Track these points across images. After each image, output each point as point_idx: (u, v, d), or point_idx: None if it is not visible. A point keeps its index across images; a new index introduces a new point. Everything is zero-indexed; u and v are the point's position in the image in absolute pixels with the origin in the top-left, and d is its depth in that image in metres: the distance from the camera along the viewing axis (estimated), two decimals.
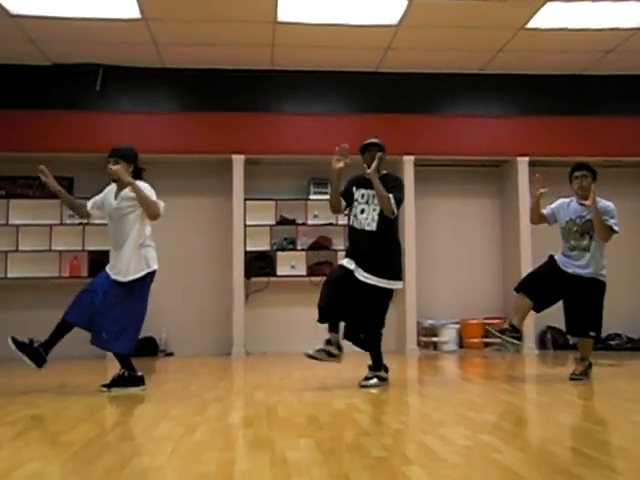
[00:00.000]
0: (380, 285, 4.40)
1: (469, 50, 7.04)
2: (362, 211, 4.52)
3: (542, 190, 4.83)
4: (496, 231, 8.03)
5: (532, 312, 5.07)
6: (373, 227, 4.47)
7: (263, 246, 7.51)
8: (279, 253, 7.52)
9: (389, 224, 4.49)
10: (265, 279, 7.48)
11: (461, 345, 7.57)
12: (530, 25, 6.37)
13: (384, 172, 4.60)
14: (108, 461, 2.45)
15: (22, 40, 6.60)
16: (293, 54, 7.10)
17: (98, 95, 7.28)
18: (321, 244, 7.60)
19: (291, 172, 7.70)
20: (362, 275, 4.41)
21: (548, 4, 5.94)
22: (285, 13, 6.12)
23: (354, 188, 4.61)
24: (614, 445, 2.68)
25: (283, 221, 7.57)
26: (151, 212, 4.32)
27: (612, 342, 7.51)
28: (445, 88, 7.68)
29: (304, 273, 7.51)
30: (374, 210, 4.49)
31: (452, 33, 6.56)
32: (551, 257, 4.96)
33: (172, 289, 7.30)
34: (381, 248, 4.46)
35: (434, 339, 7.51)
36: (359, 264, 4.44)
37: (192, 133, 7.37)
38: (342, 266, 4.52)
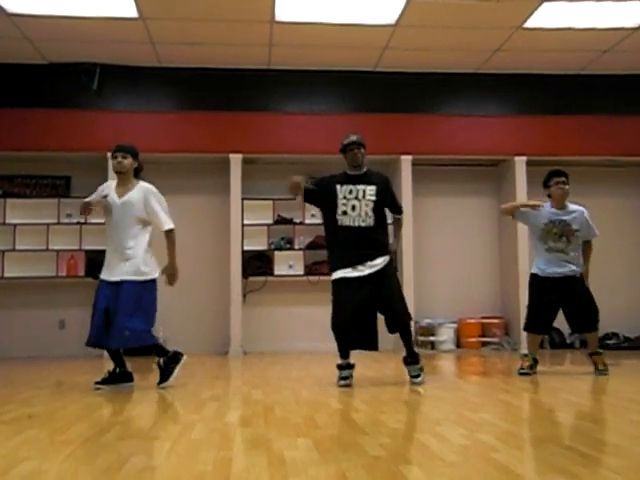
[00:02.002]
0: (387, 262, 4.50)
1: (466, 50, 7.04)
2: (353, 208, 4.50)
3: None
4: (494, 230, 8.04)
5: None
6: (370, 223, 4.49)
7: (260, 245, 7.50)
8: (276, 252, 7.52)
9: (382, 217, 4.61)
10: (262, 278, 7.48)
11: (459, 344, 7.58)
12: (527, 25, 6.38)
13: (365, 169, 4.65)
14: (105, 460, 2.44)
15: (19, 39, 6.59)
16: (291, 53, 7.10)
17: (95, 94, 7.27)
18: (318, 243, 7.58)
19: (289, 171, 7.61)
20: (370, 267, 4.42)
21: (545, 4, 5.95)
22: (283, 12, 6.11)
23: (337, 186, 4.56)
24: (611, 444, 2.69)
25: (281, 220, 7.57)
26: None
27: (609, 341, 7.52)
28: (443, 87, 7.69)
29: (301, 272, 7.51)
30: (366, 205, 4.50)
31: (449, 33, 6.56)
32: (533, 276, 5.12)
33: (169, 288, 7.25)
34: (377, 241, 4.52)
35: (432, 338, 7.52)
36: (359, 261, 4.43)
37: (189, 132, 7.36)
38: (345, 284, 4.45)
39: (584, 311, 4.98)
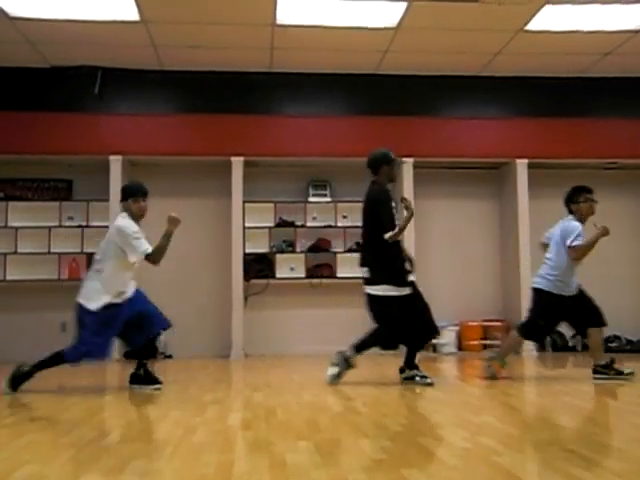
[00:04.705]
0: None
1: (468, 52, 7.04)
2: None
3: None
4: (495, 233, 8.04)
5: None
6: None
7: (262, 248, 7.50)
8: (278, 255, 7.51)
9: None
10: (264, 281, 7.48)
11: (460, 347, 7.57)
12: (529, 27, 6.38)
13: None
14: (107, 463, 2.44)
15: (21, 42, 6.60)
16: (292, 56, 7.11)
17: (97, 97, 7.28)
18: (320, 246, 7.60)
19: (290, 174, 7.70)
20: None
21: (546, 7, 5.95)
22: (284, 16, 6.12)
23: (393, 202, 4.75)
24: (613, 447, 2.68)
25: (282, 223, 7.57)
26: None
27: (611, 344, 7.50)
28: (444, 90, 7.69)
29: (303, 275, 7.51)
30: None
31: (451, 35, 6.57)
32: (548, 295, 4.90)
33: (171, 291, 7.29)
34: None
35: (433, 341, 7.49)
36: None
37: (191, 135, 7.37)
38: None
39: (589, 310, 4.96)
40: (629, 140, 7.67)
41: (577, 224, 4.83)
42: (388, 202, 4.63)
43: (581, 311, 4.88)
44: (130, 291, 4.51)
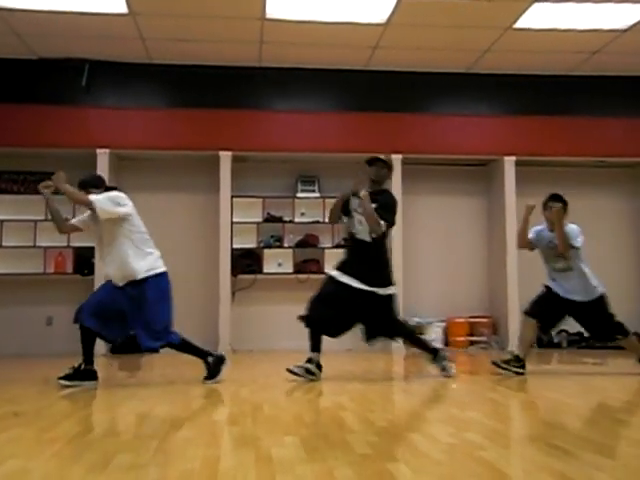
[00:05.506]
0: (379, 293, 4.57)
1: (457, 49, 7.06)
2: (360, 222, 4.64)
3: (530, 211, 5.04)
4: (482, 230, 8.07)
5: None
6: (368, 239, 4.57)
7: (250, 243, 7.49)
8: (266, 250, 7.51)
9: (382, 236, 4.64)
10: (252, 276, 7.46)
11: (447, 343, 7.60)
12: (517, 25, 6.40)
13: (382, 189, 4.74)
14: (91, 458, 2.43)
15: (7, 34, 6.53)
16: (281, 51, 7.08)
17: (84, 90, 7.22)
18: (308, 242, 7.60)
19: (278, 170, 7.68)
20: (358, 284, 4.52)
21: (535, 5, 5.97)
22: (273, 10, 6.10)
23: (352, 196, 4.68)
24: (598, 442, 2.71)
25: (270, 218, 7.56)
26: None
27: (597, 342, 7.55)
28: (433, 87, 7.70)
29: (291, 270, 7.50)
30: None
31: (440, 32, 6.58)
32: (547, 287, 5.12)
33: None
34: (376, 259, 4.62)
35: (420, 337, 7.52)
36: (355, 275, 4.54)
37: (179, 129, 7.33)
38: (334, 279, 4.61)
39: (599, 327, 5.11)
40: (617, 138, 7.72)
41: (533, 232, 5.13)
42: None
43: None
44: (113, 277, 4.40)
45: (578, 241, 4.97)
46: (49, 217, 6.88)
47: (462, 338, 7.58)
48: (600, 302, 5.01)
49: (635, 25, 6.38)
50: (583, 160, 7.78)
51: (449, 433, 2.84)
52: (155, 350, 4.39)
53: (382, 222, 4.56)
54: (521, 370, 4.94)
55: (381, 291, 4.57)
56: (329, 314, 4.55)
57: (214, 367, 4.52)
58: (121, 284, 4.34)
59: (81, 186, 4.54)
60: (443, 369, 4.70)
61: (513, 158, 7.60)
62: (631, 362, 5.20)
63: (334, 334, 4.67)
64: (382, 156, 4.81)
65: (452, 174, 8.01)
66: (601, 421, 3.30)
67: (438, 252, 7.93)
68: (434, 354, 4.76)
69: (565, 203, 5.07)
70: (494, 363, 4.98)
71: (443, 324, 7.63)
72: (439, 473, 2.22)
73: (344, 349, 6.23)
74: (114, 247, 4.35)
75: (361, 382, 4.69)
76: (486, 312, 7.84)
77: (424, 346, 4.85)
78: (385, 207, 4.63)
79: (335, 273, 4.63)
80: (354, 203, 4.66)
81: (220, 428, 3.10)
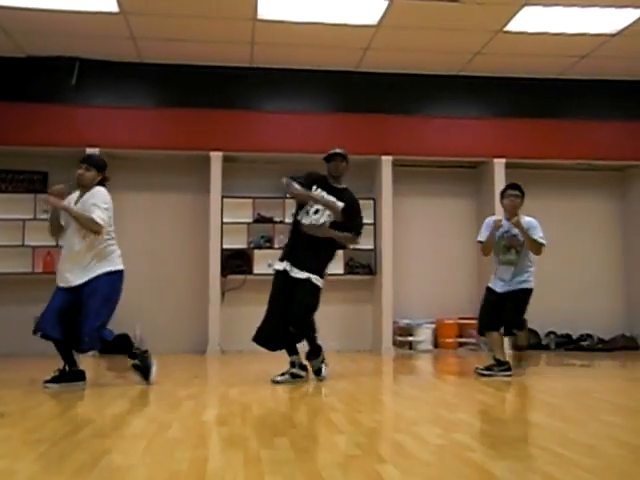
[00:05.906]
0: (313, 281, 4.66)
1: (448, 52, 7.08)
2: (316, 211, 4.69)
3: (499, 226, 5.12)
4: (472, 232, 8.06)
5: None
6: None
7: (240, 244, 7.47)
8: (256, 251, 7.49)
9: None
10: (242, 277, 7.45)
11: (436, 345, 7.62)
12: (508, 28, 6.43)
13: (344, 186, 4.73)
14: (79, 459, 2.42)
15: None
16: (273, 52, 7.08)
17: (74, 89, 7.17)
18: None
19: (269, 170, 7.67)
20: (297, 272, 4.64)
21: (525, 8, 6.00)
22: (265, 10, 6.09)
23: (314, 186, 4.74)
24: (585, 444, 2.72)
25: (260, 219, 7.55)
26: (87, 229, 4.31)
27: (584, 343, 7.62)
28: (423, 89, 7.72)
29: None
30: (329, 216, 4.68)
31: (431, 34, 6.60)
32: (487, 288, 5.34)
33: (147, 286, 7.24)
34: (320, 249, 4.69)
35: (410, 338, 7.55)
36: (295, 262, 4.65)
37: (170, 129, 7.30)
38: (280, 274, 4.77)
39: (508, 317, 5.18)
40: (605, 142, 7.77)
41: (484, 227, 5.27)
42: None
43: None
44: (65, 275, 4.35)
45: (542, 237, 5.02)
46: (40, 217, 6.82)
47: (451, 340, 7.60)
48: (524, 293, 5.11)
49: (624, 30, 6.42)
50: (572, 163, 7.83)
51: (437, 434, 2.85)
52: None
53: (350, 235, 4.69)
54: (508, 373, 4.96)
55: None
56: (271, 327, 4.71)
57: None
58: (75, 283, 4.28)
59: (85, 161, 4.45)
60: (318, 370, 4.68)
61: (503, 160, 7.63)
62: (617, 364, 5.24)
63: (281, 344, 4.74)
64: (339, 150, 4.83)
65: (442, 176, 8.03)
66: (588, 422, 3.33)
67: (428, 253, 7.95)
68: (317, 352, 4.70)
69: (522, 194, 5.17)
70: (478, 372, 5.00)
71: (433, 325, 7.65)
72: (427, 474, 2.23)
73: (333, 350, 6.23)
74: (78, 243, 4.32)
75: (350, 383, 4.69)
76: (475, 314, 7.83)
77: (314, 341, 4.75)
78: (351, 212, 4.71)
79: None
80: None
81: (209, 429, 3.09)
